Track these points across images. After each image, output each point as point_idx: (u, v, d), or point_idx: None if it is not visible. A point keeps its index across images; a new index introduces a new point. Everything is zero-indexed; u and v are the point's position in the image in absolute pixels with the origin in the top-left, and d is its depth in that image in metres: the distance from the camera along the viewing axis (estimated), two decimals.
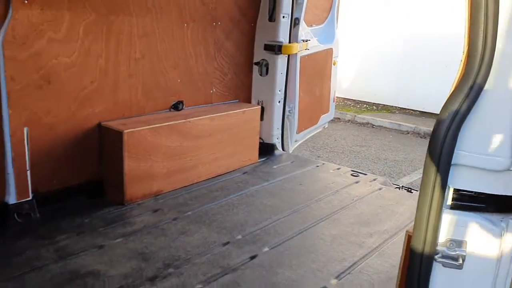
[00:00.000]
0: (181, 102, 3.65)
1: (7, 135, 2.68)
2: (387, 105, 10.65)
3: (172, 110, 3.61)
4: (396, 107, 10.51)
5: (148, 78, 3.41)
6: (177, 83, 3.63)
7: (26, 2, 2.64)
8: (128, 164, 3.05)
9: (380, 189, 3.71)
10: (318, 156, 6.91)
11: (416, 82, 9.91)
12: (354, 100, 11.12)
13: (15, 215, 2.74)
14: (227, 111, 3.84)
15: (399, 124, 9.21)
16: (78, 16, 2.90)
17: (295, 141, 4.83)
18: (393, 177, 6.17)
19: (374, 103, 10.86)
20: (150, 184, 3.22)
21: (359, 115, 9.84)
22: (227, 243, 2.70)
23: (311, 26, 4.68)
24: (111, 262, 2.41)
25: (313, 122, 5.04)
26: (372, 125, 9.49)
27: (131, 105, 3.33)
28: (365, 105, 10.83)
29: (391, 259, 2.59)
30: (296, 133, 4.72)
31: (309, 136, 5.19)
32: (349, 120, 9.81)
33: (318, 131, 5.36)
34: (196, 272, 2.38)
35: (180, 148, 3.40)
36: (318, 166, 4.23)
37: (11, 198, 2.74)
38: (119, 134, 3.01)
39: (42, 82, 2.80)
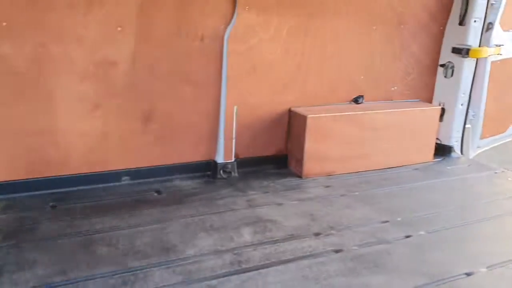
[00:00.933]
0: (362, 96, 4.04)
1: (223, 111, 3.50)
2: None
3: (352, 103, 4.05)
4: None
5: (334, 74, 3.90)
6: (359, 80, 4.03)
7: (247, 8, 3.41)
8: (309, 144, 3.61)
9: None
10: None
11: None
12: None
13: (221, 171, 3.57)
14: (405, 108, 4.08)
15: None
16: (284, 20, 3.56)
17: (477, 147, 4.72)
18: None
19: None
20: (324, 164, 3.73)
21: None
22: (386, 221, 3.01)
23: (508, 30, 4.52)
24: (287, 216, 2.99)
25: (500, 130, 4.84)
26: None
27: (317, 96, 3.87)
28: None
29: None
30: (479, 139, 4.63)
31: (494, 144, 4.97)
32: None
33: (506, 141, 5.08)
34: (354, 237, 2.77)
35: (355, 137, 3.81)
36: (496, 172, 4.12)
37: (220, 158, 3.58)
38: (304, 119, 3.60)
39: (251, 71, 3.55)
